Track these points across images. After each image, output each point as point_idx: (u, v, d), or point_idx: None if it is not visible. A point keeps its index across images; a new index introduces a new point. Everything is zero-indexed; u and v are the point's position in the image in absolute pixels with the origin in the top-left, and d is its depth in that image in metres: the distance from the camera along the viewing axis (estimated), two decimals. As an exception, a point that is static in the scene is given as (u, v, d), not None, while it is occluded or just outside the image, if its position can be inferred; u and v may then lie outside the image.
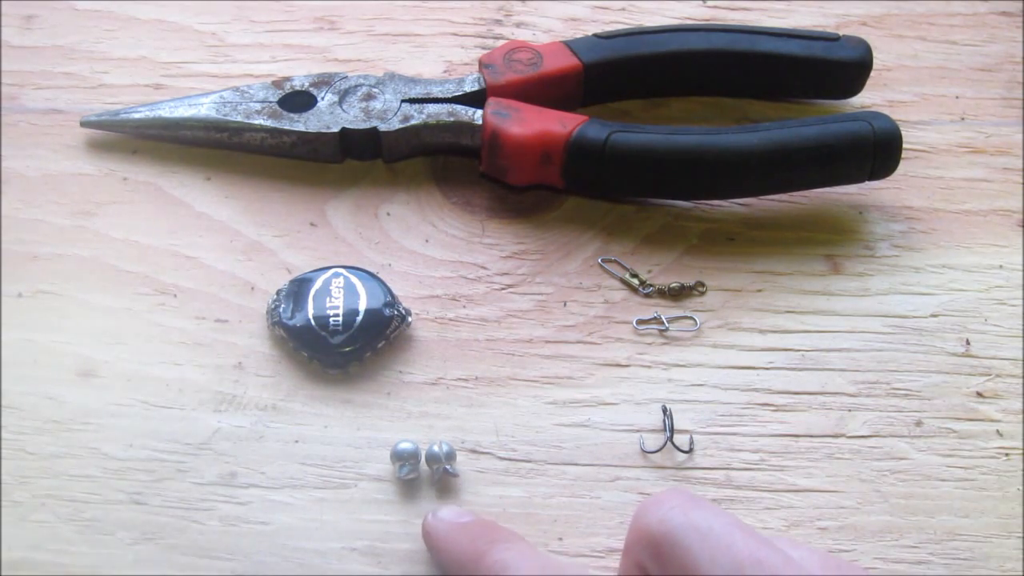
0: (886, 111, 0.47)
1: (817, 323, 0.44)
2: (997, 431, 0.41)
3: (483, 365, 0.42)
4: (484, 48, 0.52)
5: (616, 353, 0.43)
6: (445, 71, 0.51)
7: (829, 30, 0.50)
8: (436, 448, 0.39)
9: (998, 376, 0.43)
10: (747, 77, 0.49)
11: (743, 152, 0.44)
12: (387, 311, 0.42)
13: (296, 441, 0.40)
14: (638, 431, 0.41)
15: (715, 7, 0.55)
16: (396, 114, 0.47)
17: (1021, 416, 0.41)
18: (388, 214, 0.46)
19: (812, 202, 0.47)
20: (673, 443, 0.40)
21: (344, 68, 0.51)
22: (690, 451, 0.40)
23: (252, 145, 0.47)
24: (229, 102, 0.47)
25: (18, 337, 0.42)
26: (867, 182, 0.46)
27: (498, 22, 0.53)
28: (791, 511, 0.39)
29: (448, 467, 0.39)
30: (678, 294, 0.44)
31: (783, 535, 0.38)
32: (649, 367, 0.42)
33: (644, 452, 0.40)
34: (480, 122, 0.46)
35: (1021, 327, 0.44)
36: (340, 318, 0.41)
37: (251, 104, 0.47)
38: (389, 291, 0.42)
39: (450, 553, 0.36)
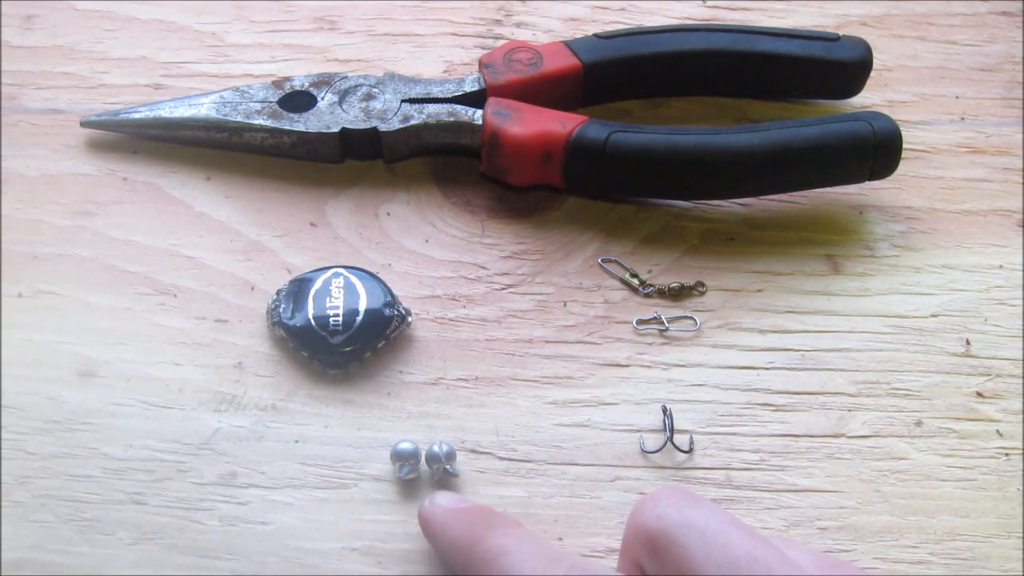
0: (886, 111, 0.47)
1: (817, 323, 0.44)
2: (997, 431, 0.41)
3: (483, 365, 0.42)
4: (484, 48, 0.52)
5: (616, 353, 0.43)
6: (445, 71, 0.51)
7: (829, 30, 0.50)
8: (436, 448, 0.39)
9: (998, 376, 0.43)
10: (747, 77, 0.49)
11: (743, 152, 0.44)
12: (387, 311, 0.42)
13: (296, 441, 0.40)
14: (638, 431, 0.41)
15: (715, 7, 0.55)
16: (396, 114, 0.47)
17: (1021, 416, 0.41)
18: (388, 214, 0.46)
19: (812, 202, 0.47)
20: (673, 443, 0.40)
21: (344, 68, 0.51)
22: (690, 451, 0.40)
23: (252, 145, 0.47)
24: (229, 102, 0.47)
25: (18, 337, 0.42)
26: (867, 182, 0.46)
27: (498, 22, 0.53)
28: (791, 511, 0.39)
29: (448, 467, 0.39)
30: (678, 294, 0.44)
31: (783, 535, 0.38)
32: (649, 367, 0.42)
33: (644, 452, 0.40)
34: (480, 122, 0.46)
35: (1021, 327, 0.44)
36: (340, 318, 0.41)
37: (251, 104, 0.47)
38: (389, 291, 0.42)
39: (448, 538, 0.35)
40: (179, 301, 0.43)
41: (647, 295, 0.44)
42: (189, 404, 0.40)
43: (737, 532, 0.29)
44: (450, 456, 0.39)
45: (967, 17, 0.55)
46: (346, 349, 0.41)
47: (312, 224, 0.46)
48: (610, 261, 0.45)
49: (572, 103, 0.49)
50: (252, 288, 0.43)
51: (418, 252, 0.45)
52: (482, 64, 0.48)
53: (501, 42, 0.52)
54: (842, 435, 0.41)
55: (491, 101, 0.46)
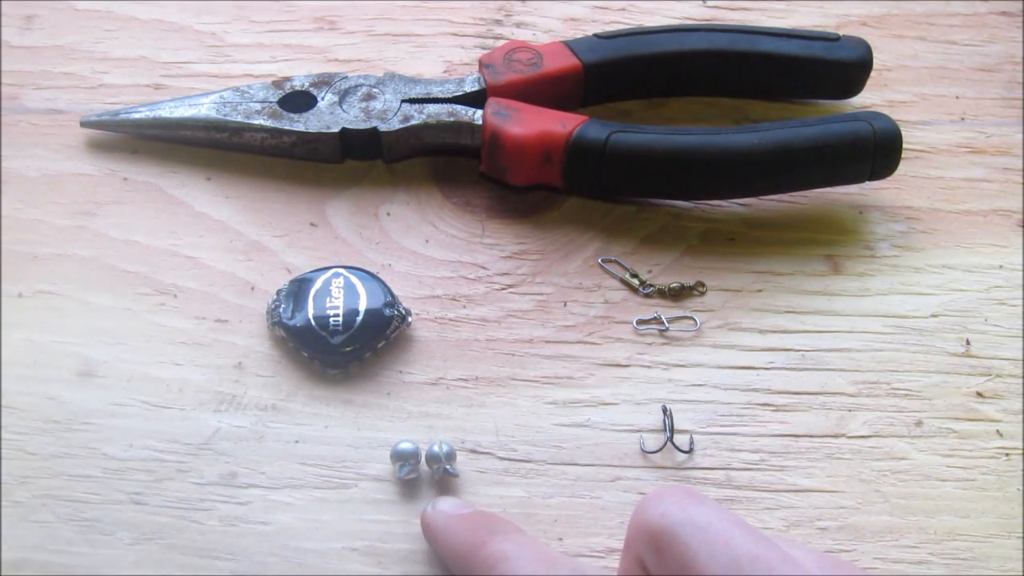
0: (886, 111, 0.47)
1: (817, 323, 0.44)
2: (997, 431, 0.41)
3: (483, 365, 0.42)
4: (484, 48, 0.52)
5: (616, 353, 0.43)
6: (445, 71, 0.51)
7: (829, 30, 0.50)
8: (436, 448, 0.39)
9: (998, 376, 0.43)
10: (747, 77, 0.49)
11: (743, 152, 0.44)
12: (387, 311, 0.42)
13: (296, 441, 0.40)
14: (638, 431, 0.41)
15: (715, 7, 0.55)
16: (396, 114, 0.47)
17: (1021, 416, 0.41)
18: (388, 214, 0.46)
19: (812, 202, 0.47)
20: (673, 443, 0.40)
21: (344, 68, 0.51)
22: (690, 451, 0.40)
23: (252, 145, 0.47)
24: (229, 102, 0.47)
25: (18, 337, 0.42)
26: (867, 182, 0.46)
27: (498, 22, 0.53)
28: (791, 511, 0.39)
29: (448, 467, 0.39)
30: (678, 294, 0.44)
31: (783, 535, 0.38)
32: (649, 367, 0.42)
33: (644, 452, 0.40)
34: (480, 122, 0.46)
35: (1021, 327, 0.44)
36: (340, 318, 0.41)
37: (251, 104, 0.47)
38: (389, 291, 0.42)
39: (449, 544, 0.36)
40: (179, 301, 0.43)
41: (647, 295, 0.44)
42: (189, 404, 0.40)
43: (740, 531, 0.29)
44: (450, 456, 0.39)
45: (967, 17, 0.55)
46: (346, 349, 0.41)
47: (312, 224, 0.46)
48: (610, 261, 0.45)
49: (572, 103, 0.49)
50: (252, 288, 0.43)
51: (418, 252, 0.45)
52: (482, 64, 0.48)
53: (501, 42, 0.52)
54: (842, 435, 0.41)
55: (491, 101, 0.46)
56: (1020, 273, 0.45)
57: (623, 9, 0.54)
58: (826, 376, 0.42)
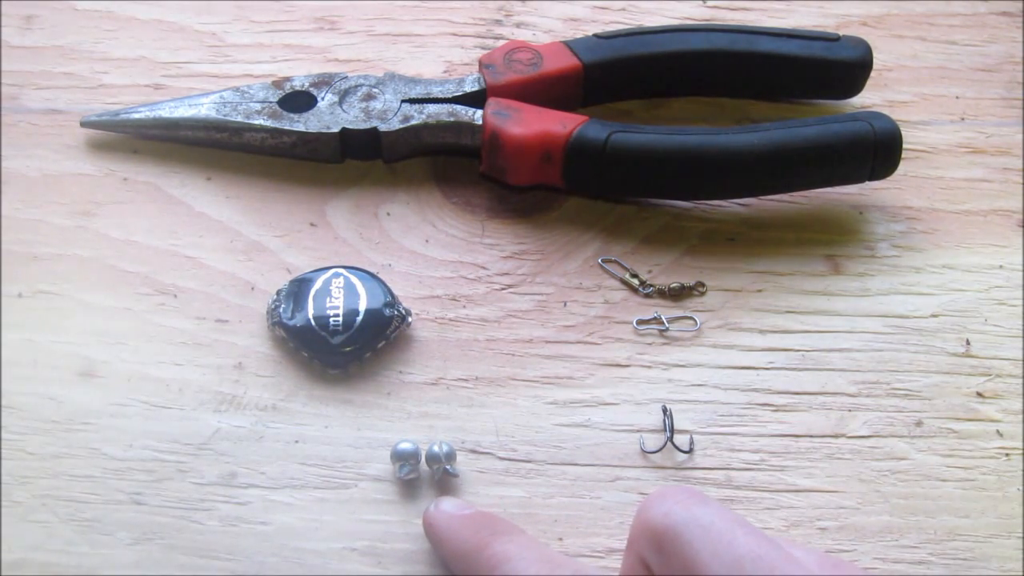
0: (886, 111, 0.47)
1: (817, 323, 0.44)
2: (997, 431, 0.41)
3: (483, 365, 0.42)
4: (484, 48, 0.52)
5: (616, 353, 0.43)
6: (445, 71, 0.51)
7: (829, 30, 0.50)
8: (436, 448, 0.39)
9: (998, 376, 0.43)
10: (747, 77, 0.49)
11: (743, 152, 0.44)
12: (387, 311, 0.42)
13: (296, 441, 0.40)
14: (638, 431, 0.41)
15: (715, 7, 0.55)
16: (396, 114, 0.47)
17: (1021, 416, 0.41)
18: (388, 214, 0.46)
19: (812, 202, 0.47)
20: (673, 443, 0.40)
21: (344, 68, 0.51)
22: (690, 451, 0.40)
23: (252, 145, 0.47)
24: (229, 102, 0.47)
25: (18, 337, 0.42)
26: (867, 182, 0.46)
27: (498, 22, 0.53)
28: (791, 511, 0.39)
29: (448, 467, 0.39)
30: (678, 294, 0.44)
31: (783, 535, 0.38)
32: (649, 367, 0.42)
33: (644, 452, 0.40)
34: (480, 122, 0.46)
35: (1021, 327, 0.44)
36: (340, 318, 0.41)
37: (251, 104, 0.47)
38: (389, 291, 0.42)
39: (452, 545, 0.36)
40: (179, 301, 0.43)
41: (647, 295, 0.44)
42: (189, 404, 0.40)
43: (742, 531, 0.29)
44: (450, 456, 0.39)
45: (967, 17, 0.55)
46: (346, 349, 0.41)
47: (312, 224, 0.46)
48: (610, 261, 0.45)
49: (572, 103, 0.49)
50: (252, 288, 0.43)
51: (418, 252, 0.45)
52: (482, 64, 0.48)
53: (501, 42, 0.52)
54: (842, 435, 0.41)
55: (491, 101, 0.46)
56: (1020, 273, 0.45)
57: (623, 9, 0.54)
58: (826, 376, 0.42)
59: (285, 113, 0.46)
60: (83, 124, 0.47)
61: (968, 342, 0.43)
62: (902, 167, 0.46)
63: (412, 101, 0.47)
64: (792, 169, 0.45)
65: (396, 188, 0.47)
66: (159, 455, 0.39)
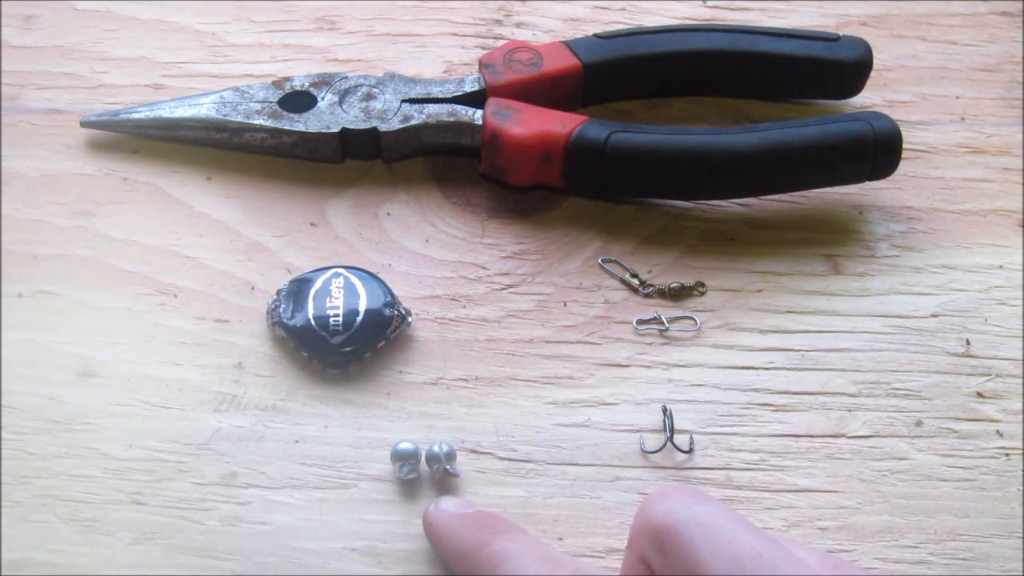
0: (886, 111, 0.47)
1: (817, 323, 0.44)
2: (997, 431, 0.41)
3: (483, 365, 0.42)
4: (484, 48, 0.52)
5: (616, 353, 0.43)
6: (445, 71, 0.51)
7: (829, 30, 0.50)
8: (436, 448, 0.39)
9: (998, 376, 0.43)
10: (747, 77, 0.49)
11: (743, 152, 0.44)
12: (387, 311, 0.42)
13: (296, 441, 0.40)
14: (638, 431, 0.41)
15: (715, 7, 0.55)
16: (396, 114, 0.47)
17: (1021, 416, 0.41)
18: (388, 214, 0.46)
19: (812, 202, 0.47)
20: (673, 443, 0.40)
21: (344, 68, 0.51)
22: (690, 451, 0.40)
23: (252, 145, 0.47)
24: (229, 102, 0.47)
25: (18, 337, 0.42)
26: (867, 182, 0.46)
27: (498, 22, 0.53)
28: (791, 511, 0.39)
29: (448, 467, 0.39)
30: (678, 294, 0.44)
31: (783, 535, 0.38)
32: (649, 367, 0.42)
33: (644, 452, 0.40)
34: (480, 122, 0.46)
35: (1021, 327, 0.44)
36: (340, 318, 0.41)
37: (251, 104, 0.47)
38: (389, 291, 0.42)
39: (452, 543, 0.36)
40: (179, 301, 0.43)
41: (647, 295, 0.44)
42: (189, 404, 0.40)
43: (743, 530, 0.29)
44: (450, 456, 0.39)
45: (967, 17, 0.55)
46: (346, 349, 0.41)
47: (312, 224, 0.46)
48: (610, 261, 0.45)
49: (572, 103, 0.49)
50: (252, 288, 0.43)
51: (418, 252, 0.45)
52: (482, 64, 0.48)
53: (501, 42, 0.52)
54: (842, 435, 0.41)
55: (491, 101, 0.46)
56: (1020, 273, 0.45)
57: (623, 9, 0.54)
58: (826, 376, 0.42)
59: (285, 113, 0.46)
60: (83, 124, 0.47)
61: (968, 342, 0.43)
62: (902, 167, 0.46)
63: (412, 101, 0.47)
64: (792, 169, 0.45)
65: (396, 188, 0.47)
66: (159, 455, 0.39)
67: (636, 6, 0.54)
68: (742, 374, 0.42)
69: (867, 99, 0.51)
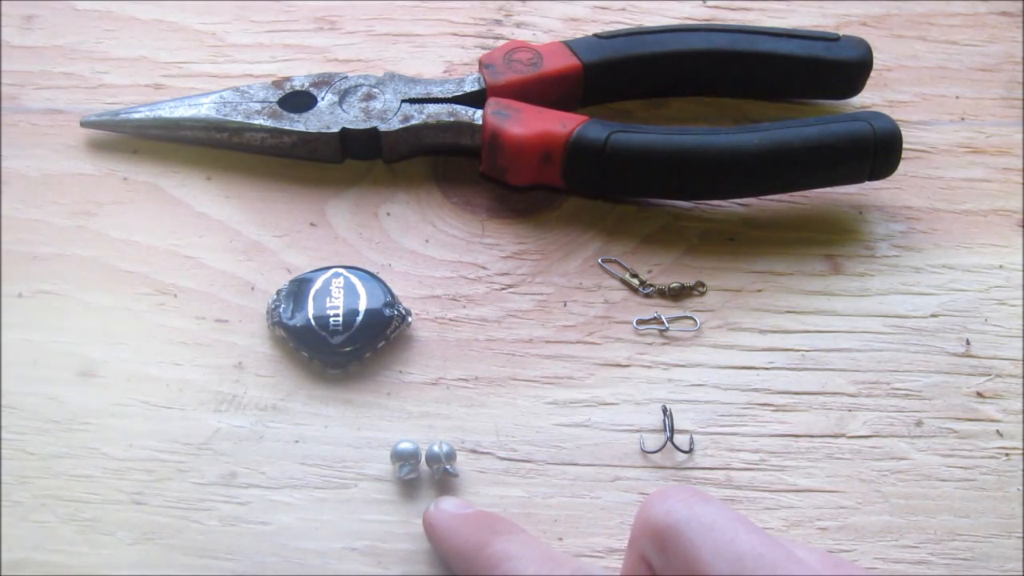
0: (886, 111, 0.47)
1: (817, 323, 0.44)
2: (997, 431, 0.41)
3: (483, 365, 0.42)
4: (484, 48, 0.52)
5: (616, 353, 0.43)
6: (445, 71, 0.51)
7: (829, 30, 0.50)
8: (436, 448, 0.39)
9: (998, 376, 0.43)
10: (747, 77, 0.49)
11: (743, 152, 0.44)
12: (387, 311, 0.42)
13: (296, 441, 0.40)
14: (638, 431, 0.41)
15: (715, 7, 0.55)
16: (396, 114, 0.47)
17: (1021, 416, 0.41)
18: (388, 214, 0.46)
19: (812, 202, 0.47)
20: (673, 443, 0.40)
21: (344, 68, 0.51)
22: (690, 451, 0.40)
23: (252, 145, 0.47)
24: (229, 102, 0.47)
25: (18, 337, 0.42)
26: (867, 182, 0.46)
27: (498, 22, 0.53)
28: (791, 511, 0.39)
29: (448, 467, 0.39)
30: (678, 294, 0.44)
31: (783, 535, 0.38)
32: (649, 367, 0.42)
33: (644, 452, 0.40)
34: (480, 122, 0.46)
35: (1021, 327, 0.44)
36: (340, 318, 0.41)
37: (251, 104, 0.47)
38: (389, 291, 0.42)
39: (452, 543, 0.36)
40: (179, 301, 0.43)
41: (647, 295, 0.44)
42: (189, 404, 0.40)
43: (745, 529, 0.29)
44: (450, 456, 0.39)
45: (967, 17, 0.55)
46: (346, 349, 0.41)
47: (312, 224, 0.46)
48: (610, 261, 0.45)
49: (572, 103, 0.49)
50: (252, 288, 0.43)
51: (418, 252, 0.45)
52: (482, 64, 0.48)
53: (501, 42, 0.52)
54: (842, 435, 0.41)
55: (491, 101, 0.46)
56: (1020, 273, 0.45)
57: (623, 9, 0.54)
58: (826, 376, 0.42)
59: (285, 113, 0.46)
60: (83, 124, 0.47)
61: (968, 342, 0.43)
62: (902, 167, 0.46)
63: (412, 101, 0.47)
64: (792, 169, 0.45)
65: (396, 188, 0.47)
66: (159, 455, 0.39)
67: (636, 6, 0.54)
68: (742, 374, 0.42)
69: (867, 99, 0.51)
